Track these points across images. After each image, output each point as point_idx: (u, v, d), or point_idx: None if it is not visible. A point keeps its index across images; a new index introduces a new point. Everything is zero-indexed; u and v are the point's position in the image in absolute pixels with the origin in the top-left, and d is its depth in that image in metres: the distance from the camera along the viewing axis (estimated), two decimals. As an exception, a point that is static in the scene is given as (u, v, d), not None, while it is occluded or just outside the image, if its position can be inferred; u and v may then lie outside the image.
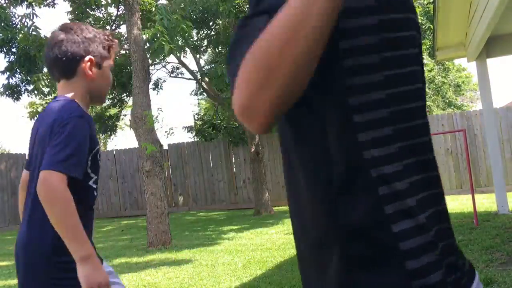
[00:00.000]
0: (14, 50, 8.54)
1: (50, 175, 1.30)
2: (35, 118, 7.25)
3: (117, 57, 10.22)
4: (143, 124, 6.72)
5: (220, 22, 9.13)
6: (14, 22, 8.19)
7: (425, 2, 10.78)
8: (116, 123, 12.03)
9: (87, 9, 9.23)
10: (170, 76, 11.84)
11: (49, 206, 1.30)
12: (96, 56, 1.53)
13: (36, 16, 8.28)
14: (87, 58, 1.50)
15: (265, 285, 3.90)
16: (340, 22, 0.63)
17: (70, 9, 9.06)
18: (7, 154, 11.88)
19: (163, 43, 5.63)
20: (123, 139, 48.29)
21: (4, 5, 8.17)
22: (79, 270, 1.30)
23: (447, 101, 19.54)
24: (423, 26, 10.26)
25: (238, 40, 0.64)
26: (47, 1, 8.76)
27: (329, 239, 0.69)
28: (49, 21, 8.30)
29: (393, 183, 0.67)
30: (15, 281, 5.00)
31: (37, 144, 1.50)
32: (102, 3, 9.30)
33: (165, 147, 13.35)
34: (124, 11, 7.78)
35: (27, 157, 1.63)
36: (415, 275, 0.65)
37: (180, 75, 11.88)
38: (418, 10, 10.21)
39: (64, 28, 1.54)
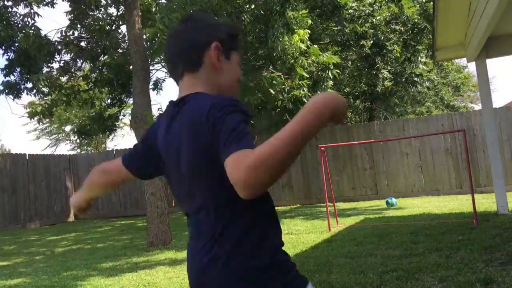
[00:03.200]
0: (13, 48, 8.54)
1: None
2: (35, 118, 7.16)
3: (115, 56, 10.18)
4: (143, 124, 6.72)
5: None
6: (15, 21, 8.18)
7: (423, 1, 10.76)
8: (116, 123, 11.99)
9: (87, 10, 9.21)
10: (170, 76, 11.82)
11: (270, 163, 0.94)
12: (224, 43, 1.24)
13: (39, 15, 8.28)
14: (213, 45, 1.21)
15: (265, 285, 3.91)
16: None
17: (70, 9, 9.05)
18: (7, 154, 11.88)
19: (164, 41, 5.63)
20: (123, 139, 48.28)
21: (6, 3, 8.17)
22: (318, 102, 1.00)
23: (445, 102, 19.52)
24: (420, 26, 10.25)
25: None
26: (46, 1, 8.73)
27: None
28: (49, 21, 8.32)
29: None
30: (15, 281, 5.00)
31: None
32: (102, 3, 9.29)
33: (165, 147, 13.35)
34: (124, 11, 7.79)
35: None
36: None
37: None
38: (415, 9, 10.18)
39: (183, 20, 1.33)
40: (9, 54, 8.61)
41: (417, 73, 12.08)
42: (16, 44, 8.42)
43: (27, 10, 8.21)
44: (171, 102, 1.27)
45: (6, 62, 8.70)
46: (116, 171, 1.45)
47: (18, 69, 8.69)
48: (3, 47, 8.44)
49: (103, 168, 1.49)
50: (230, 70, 1.26)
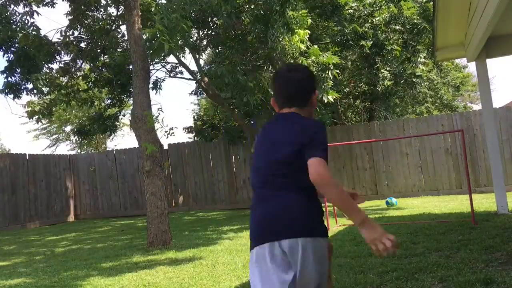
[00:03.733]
0: (13, 49, 8.52)
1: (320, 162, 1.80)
2: (34, 117, 7.14)
3: (116, 55, 10.16)
4: (143, 124, 6.72)
5: (219, 22, 9.12)
6: (14, 20, 8.16)
7: (423, 1, 10.75)
8: (116, 123, 11.99)
9: (86, 11, 9.19)
10: (170, 76, 11.79)
11: (327, 187, 1.78)
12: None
13: (38, 14, 8.24)
14: (316, 92, 2.05)
15: (265, 285, 3.90)
16: None
17: (69, 9, 9.01)
18: (7, 154, 11.88)
19: (163, 42, 5.62)
20: (123, 138, 48.25)
21: (5, 2, 8.14)
22: (362, 232, 1.78)
23: (445, 102, 19.48)
24: (419, 26, 10.23)
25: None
26: (46, 1, 8.70)
27: None
28: (49, 21, 8.31)
29: None
30: (15, 281, 5.00)
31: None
32: (102, 3, 9.27)
33: (165, 147, 13.35)
34: (124, 11, 7.78)
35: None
36: None
37: (179, 74, 11.82)
38: (414, 10, 10.17)
39: (298, 68, 2.12)
40: (9, 55, 8.60)
41: (417, 74, 12.07)
42: (16, 45, 8.41)
43: (27, 9, 8.19)
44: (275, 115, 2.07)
45: (6, 64, 8.69)
46: None
47: (18, 70, 8.67)
48: (3, 48, 8.42)
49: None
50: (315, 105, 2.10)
